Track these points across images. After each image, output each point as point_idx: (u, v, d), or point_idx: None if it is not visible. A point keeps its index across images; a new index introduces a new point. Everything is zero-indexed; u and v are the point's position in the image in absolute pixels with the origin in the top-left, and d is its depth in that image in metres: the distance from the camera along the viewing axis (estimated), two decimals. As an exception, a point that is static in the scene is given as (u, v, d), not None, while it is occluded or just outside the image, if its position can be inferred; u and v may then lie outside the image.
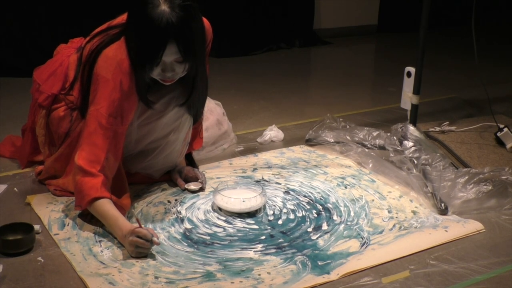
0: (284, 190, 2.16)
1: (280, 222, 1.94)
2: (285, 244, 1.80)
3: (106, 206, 1.77)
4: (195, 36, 1.76)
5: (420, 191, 2.11)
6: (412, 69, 2.37)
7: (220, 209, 1.98)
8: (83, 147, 1.81)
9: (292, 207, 2.03)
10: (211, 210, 2.00)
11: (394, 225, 1.92)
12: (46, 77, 2.05)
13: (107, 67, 1.80)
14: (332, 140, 2.53)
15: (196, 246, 1.77)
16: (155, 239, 1.70)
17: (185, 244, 1.78)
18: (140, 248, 1.69)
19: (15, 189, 2.10)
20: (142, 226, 1.71)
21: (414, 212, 2.02)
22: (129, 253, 1.70)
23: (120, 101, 1.80)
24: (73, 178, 1.83)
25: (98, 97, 1.80)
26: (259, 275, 1.64)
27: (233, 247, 1.78)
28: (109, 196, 1.79)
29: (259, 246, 1.79)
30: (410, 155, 2.26)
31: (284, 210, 2.01)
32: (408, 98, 2.41)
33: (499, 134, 2.51)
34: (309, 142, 2.59)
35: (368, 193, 2.15)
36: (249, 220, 1.94)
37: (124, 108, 1.83)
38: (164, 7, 1.69)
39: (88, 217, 1.87)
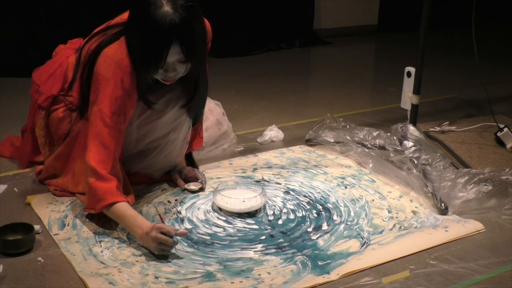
0: (284, 190, 2.16)
1: (280, 222, 1.94)
2: (285, 244, 1.80)
3: (123, 207, 1.76)
4: (198, 36, 1.76)
5: (420, 191, 2.11)
6: (412, 69, 2.37)
7: (220, 209, 1.98)
8: (91, 148, 1.79)
9: (292, 207, 2.03)
10: (211, 210, 2.00)
11: (394, 225, 1.92)
12: (45, 78, 2.04)
13: (107, 67, 1.80)
14: (332, 140, 2.53)
15: (196, 246, 1.77)
16: (181, 230, 1.71)
17: (185, 244, 1.78)
18: (163, 245, 1.68)
19: (15, 189, 2.10)
20: (165, 222, 1.71)
21: (414, 212, 2.02)
22: (151, 251, 1.70)
23: (122, 99, 1.80)
24: (85, 179, 1.81)
25: (100, 97, 1.80)
26: (259, 275, 1.64)
27: (233, 247, 1.78)
28: (125, 200, 1.79)
29: (259, 246, 1.79)
30: (410, 155, 2.26)
31: (284, 210, 2.01)
32: (408, 98, 2.41)
33: (499, 134, 2.51)
34: (309, 142, 2.59)
35: (368, 193, 2.15)
36: (249, 220, 1.94)
37: (126, 106, 1.83)
38: (167, 8, 1.69)
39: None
